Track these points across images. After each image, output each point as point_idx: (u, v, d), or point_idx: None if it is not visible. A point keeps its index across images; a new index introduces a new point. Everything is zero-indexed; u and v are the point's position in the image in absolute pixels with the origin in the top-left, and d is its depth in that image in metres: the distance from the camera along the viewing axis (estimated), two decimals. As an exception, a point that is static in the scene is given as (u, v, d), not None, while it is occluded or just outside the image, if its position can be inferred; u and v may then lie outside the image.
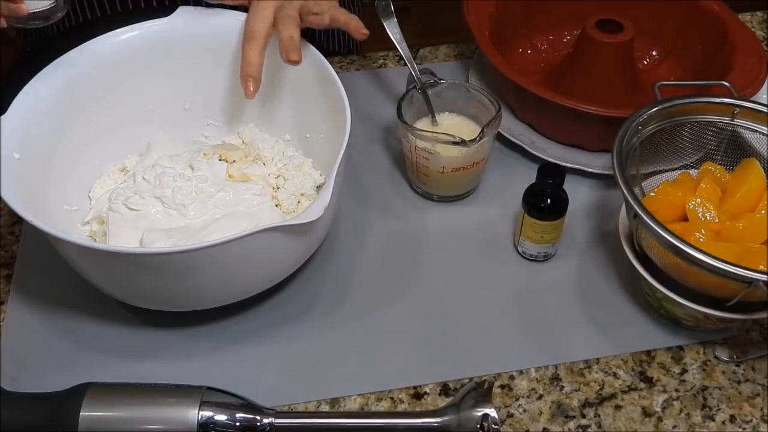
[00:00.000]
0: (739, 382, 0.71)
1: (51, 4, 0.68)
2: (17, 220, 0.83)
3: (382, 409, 0.69)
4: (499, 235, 0.82)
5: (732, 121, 0.77)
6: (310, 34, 0.79)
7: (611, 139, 0.72)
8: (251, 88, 0.73)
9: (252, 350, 0.73)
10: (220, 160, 0.78)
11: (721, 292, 0.66)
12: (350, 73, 1.00)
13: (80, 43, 0.77)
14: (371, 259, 0.80)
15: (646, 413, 0.69)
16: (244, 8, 0.78)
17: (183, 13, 0.80)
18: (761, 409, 0.69)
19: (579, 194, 0.85)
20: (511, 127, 0.90)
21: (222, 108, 0.85)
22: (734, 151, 0.78)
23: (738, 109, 0.76)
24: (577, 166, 0.86)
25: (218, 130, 0.86)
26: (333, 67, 0.76)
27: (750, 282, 0.62)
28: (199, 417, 0.61)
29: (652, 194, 0.73)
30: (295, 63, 0.73)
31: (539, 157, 0.87)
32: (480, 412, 0.62)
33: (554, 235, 0.77)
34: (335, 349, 0.73)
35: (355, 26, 0.76)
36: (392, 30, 0.85)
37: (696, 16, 0.94)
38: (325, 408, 0.69)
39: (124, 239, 0.71)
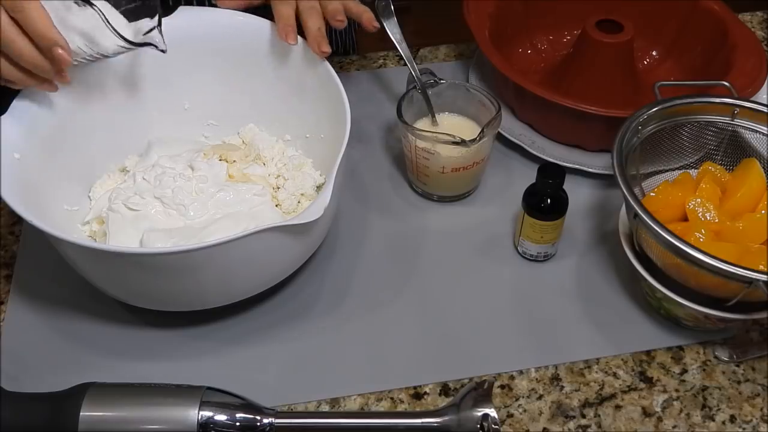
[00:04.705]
0: (739, 382, 0.71)
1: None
2: (17, 220, 0.83)
3: (382, 409, 0.69)
4: (499, 235, 0.82)
5: (732, 121, 0.77)
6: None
7: (611, 139, 0.72)
8: (293, 37, 0.75)
9: (252, 350, 0.73)
10: (220, 160, 0.78)
11: (721, 292, 0.66)
12: (350, 73, 1.00)
13: (80, 43, 0.76)
14: (371, 259, 0.80)
15: (646, 413, 0.69)
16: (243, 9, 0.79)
17: (183, 13, 0.80)
18: (761, 409, 0.69)
19: (579, 194, 0.85)
20: (511, 127, 0.90)
21: (222, 108, 0.85)
22: (734, 151, 0.78)
23: (738, 109, 0.76)
24: (577, 166, 0.86)
25: (218, 130, 0.86)
26: (333, 67, 0.76)
27: (750, 282, 0.62)
28: (199, 417, 0.61)
29: (652, 194, 0.73)
30: (327, 54, 0.75)
31: (539, 157, 0.87)
32: (480, 412, 0.62)
33: (554, 235, 0.77)
34: (335, 349, 0.73)
35: (368, 18, 0.78)
36: (392, 30, 0.85)
37: (696, 16, 0.94)
38: (325, 408, 0.69)
39: (124, 239, 0.71)
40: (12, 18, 0.60)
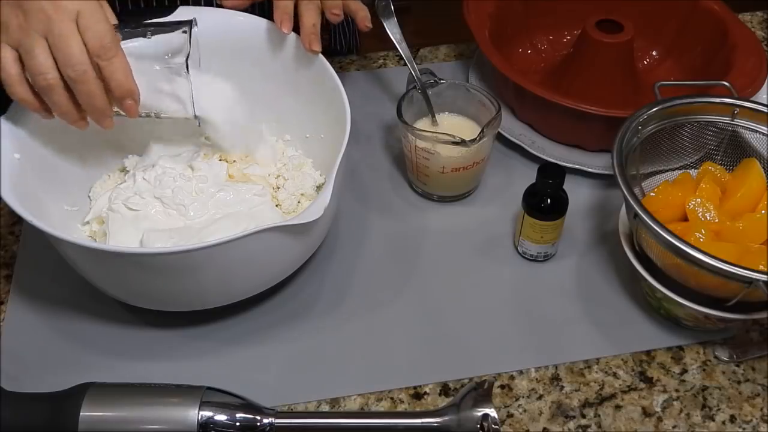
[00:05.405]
0: (739, 382, 0.71)
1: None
2: (17, 220, 0.83)
3: (382, 409, 0.69)
4: (499, 235, 0.82)
5: (732, 121, 0.77)
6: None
7: (611, 139, 0.72)
8: (288, 26, 0.75)
9: (252, 350, 0.73)
10: (220, 160, 0.78)
11: (721, 292, 0.66)
12: (350, 73, 1.00)
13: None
14: (371, 259, 0.80)
15: (646, 413, 0.69)
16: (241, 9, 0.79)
17: (183, 12, 0.79)
18: (761, 409, 0.69)
19: (579, 194, 0.85)
20: (511, 127, 0.90)
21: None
22: (734, 151, 0.78)
23: (738, 109, 0.76)
24: (577, 166, 0.86)
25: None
26: (333, 67, 0.76)
27: (750, 282, 0.62)
28: (199, 417, 0.61)
29: (652, 194, 0.73)
30: (316, 53, 0.76)
31: (539, 157, 0.87)
32: (480, 412, 0.62)
33: (554, 235, 0.77)
34: (335, 349, 0.73)
35: (362, 17, 0.79)
36: (392, 30, 0.85)
37: (696, 16, 0.94)
38: (325, 408, 0.69)
39: (124, 239, 0.71)
40: (93, 62, 0.63)
